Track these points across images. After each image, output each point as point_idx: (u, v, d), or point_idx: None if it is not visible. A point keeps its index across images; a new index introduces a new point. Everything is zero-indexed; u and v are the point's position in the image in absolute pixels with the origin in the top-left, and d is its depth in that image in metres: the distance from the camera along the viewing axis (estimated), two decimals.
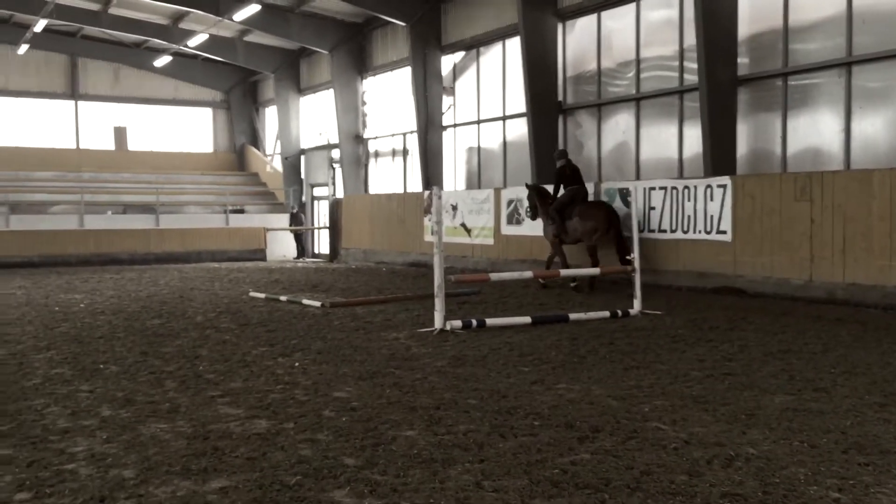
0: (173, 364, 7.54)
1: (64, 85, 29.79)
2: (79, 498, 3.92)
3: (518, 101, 19.26)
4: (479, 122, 21.12)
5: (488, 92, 20.83)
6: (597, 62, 17.77)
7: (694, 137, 15.40)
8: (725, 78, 14.33)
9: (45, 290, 15.32)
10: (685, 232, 13.82)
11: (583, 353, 7.89)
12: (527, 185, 15.71)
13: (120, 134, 30.65)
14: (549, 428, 5.14)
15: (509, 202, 17.61)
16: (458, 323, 9.59)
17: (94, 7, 25.55)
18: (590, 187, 15.17)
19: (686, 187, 13.82)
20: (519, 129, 19.57)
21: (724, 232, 13.15)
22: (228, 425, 5.29)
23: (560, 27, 18.28)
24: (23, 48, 26.96)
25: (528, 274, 12.36)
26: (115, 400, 6.05)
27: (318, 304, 12.30)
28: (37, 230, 23.14)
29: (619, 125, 17.50)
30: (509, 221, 17.62)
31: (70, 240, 23.32)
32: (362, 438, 4.94)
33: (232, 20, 22.52)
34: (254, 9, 20.90)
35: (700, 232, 13.57)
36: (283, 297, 13.28)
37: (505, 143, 20.34)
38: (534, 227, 16.88)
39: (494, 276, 11.27)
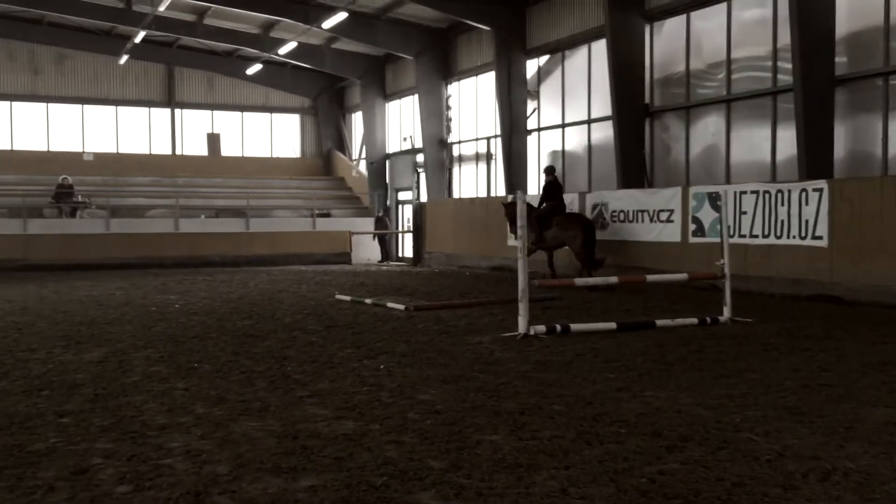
0: (263, 364, 7.73)
1: (161, 93, 30.98)
2: (176, 492, 4.07)
3: (604, 104, 19.04)
4: (563, 125, 20.97)
5: (573, 95, 20.66)
6: (685, 63, 17.43)
7: (788, 140, 14.93)
8: (822, 78, 13.84)
9: (143, 291, 15.94)
10: (778, 237, 13.40)
11: (670, 361, 7.73)
12: (503, 204, 17.60)
13: (213, 140, 31.66)
14: (635, 436, 5.05)
15: (594, 206, 17.41)
16: (542, 328, 9.54)
17: (190, 18, 26.50)
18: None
19: (780, 191, 13.39)
20: (604, 133, 19.35)
21: (820, 237, 12.69)
22: (316, 425, 5.39)
23: (647, 29, 18.00)
24: (123, 59, 28.16)
25: (614, 279, 12.19)
26: (208, 398, 6.25)
27: (402, 307, 12.42)
28: (135, 233, 24.10)
29: (708, 128, 17.11)
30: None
31: (166, 243, 24.20)
32: (447, 442, 4.96)
33: (320, 28, 22.99)
34: (341, 16, 21.30)
35: (794, 237, 13.13)
36: (367, 300, 13.45)
37: (590, 146, 20.13)
38: (617, 232, 16.65)
39: (579, 281, 11.17)
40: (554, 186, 16.23)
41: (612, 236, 16.62)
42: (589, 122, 20.02)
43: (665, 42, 17.96)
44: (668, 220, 15.62)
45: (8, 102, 28.81)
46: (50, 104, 29.36)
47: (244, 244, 24.95)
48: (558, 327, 9.67)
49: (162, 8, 21.56)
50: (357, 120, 31.68)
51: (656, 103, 18.13)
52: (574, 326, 9.75)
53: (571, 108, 20.71)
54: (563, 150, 21.08)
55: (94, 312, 12.19)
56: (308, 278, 19.40)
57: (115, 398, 6.24)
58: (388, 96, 28.90)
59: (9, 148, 28.54)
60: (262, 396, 6.30)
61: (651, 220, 16.04)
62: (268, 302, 13.87)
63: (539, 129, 21.87)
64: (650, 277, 12.40)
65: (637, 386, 6.60)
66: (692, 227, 15.11)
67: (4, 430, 5.30)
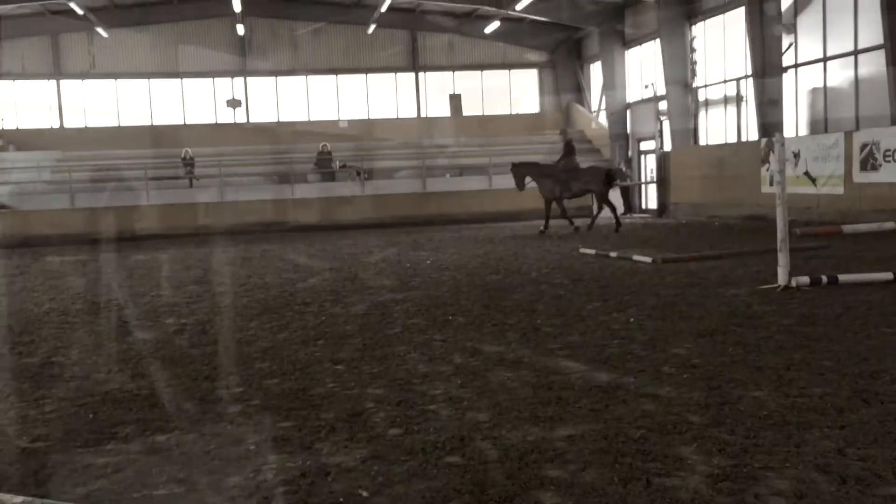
0: (513, 317, 7.92)
1: (406, 59, 32.30)
2: (442, 436, 4.30)
3: (874, 31, 17.14)
4: (825, 59, 19.18)
5: (836, 25, 18.79)
6: None
7: None
8: None
9: (397, 249, 16.87)
10: None
11: None
12: (513, 165, 20.44)
13: (455, 101, 32.57)
14: None
15: (863, 146, 15.85)
16: (805, 279, 8.91)
17: None
18: None
19: None
20: (874, 64, 17.45)
21: None
22: (569, 377, 5.44)
23: None
24: (371, 28, 29.64)
25: (890, 225, 11.04)
26: (464, 349, 6.52)
27: (648, 259, 12.14)
28: (386, 194, 25.50)
29: None
30: (863, 167, 15.90)
31: (414, 202, 25.40)
32: (706, 396, 4.81)
33: None
34: None
35: None
36: (612, 254, 13.28)
37: (857, 80, 18.27)
38: (893, 173, 15.08)
39: (848, 227, 10.26)
40: (572, 143, 20.58)
41: (888, 178, 15.06)
42: (856, 52, 18.14)
43: None
44: None
45: (273, 78, 31.46)
46: (308, 76, 31.67)
47: (488, 201, 25.55)
48: (824, 278, 8.98)
49: None
50: (596, 70, 31.06)
51: None
52: (843, 277, 9.00)
53: (834, 40, 18.86)
54: (825, 87, 19.30)
55: (356, 269, 13.12)
56: (550, 232, 19.49)
57: (380, 348, 6.70)
58: (628, 43, 28.01)
59: (275, 120, 31.23)
60: (514, 348, 6.46)
61: None
62: (513, 257, 14.13)
63: (796, 66, 20.17)
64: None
65: None
66: None
67: (289, 375, 5.89)
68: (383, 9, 26.61)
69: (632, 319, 7.52)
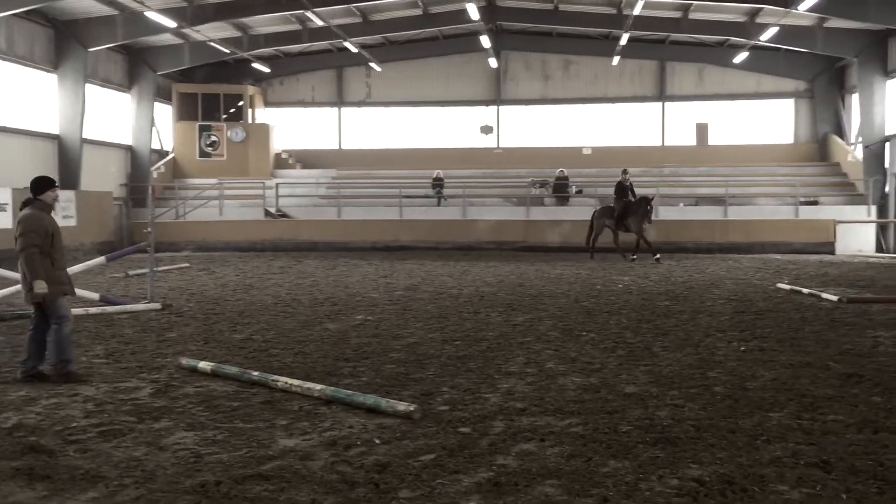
0: (638, 337, 8.87)
1: (653, 88, 32.83)
2: None
3: None
4: None
5: None
6: None
7: None
8: None
9: (601, 272, 17.83)
10: None
11: None
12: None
13: (701, 130, 32.48)
14: None
15: None
16: None
17: (676, 15, 27.76)
18: None
19: None
20: None
21: None
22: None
23: None
24: (615, 60, 30.65)
25: None
26: (578, 357, 7.69)
27: (835, 298, 12.17)
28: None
29: None
30: None
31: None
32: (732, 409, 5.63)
33: (796, 10, 22.33)
34: None
35: None
36: (804, 290, 13.35)
37: None
38: None
39: None
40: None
41: None
42: None
43: None
44: None
45: (524, 107, 33.53)
46: (557, 105, 33.35)
47: (718, 231, 25.42)
48: None
49: (636, 11, 23.17)
50: (856, 101, 29.48)
51: None
52: None
53: None
54: None
55: (545, 286, 14.42)
56: (771, 266, 19.33)
57: (501, 350, 8.06)
58: (890, 73, 26.43)
59: (523, 146, 33.24)
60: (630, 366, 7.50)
61: None
62: (707, 286, 14.60)
63: None
64: None
65: None
66: None
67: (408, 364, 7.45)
68: (623, 42, 27.52)
69: (743, 348, 8.18)
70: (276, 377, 6.54)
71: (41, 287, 6.69)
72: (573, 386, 6.51)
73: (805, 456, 4.68)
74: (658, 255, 20.61)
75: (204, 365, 7.13)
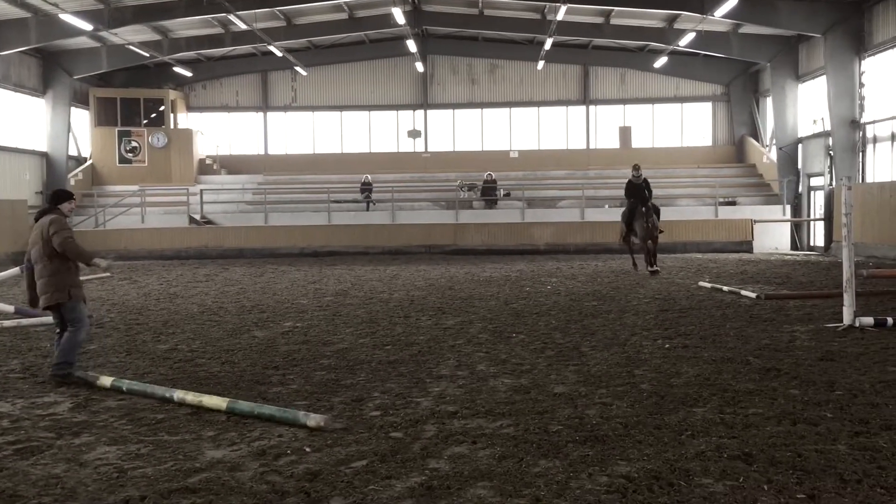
0: (564, 336, 8.99)
1: (577, 92, 33.39)
2: None
3: None
4: None
5: None
6: None
7: None
8: None
9: (532, 273, 18.02)
10: None
11: None
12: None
13: (624, 133, 33.19)
14: None
15: None
16: (869, 320, 9.34)
17: (598, 20, 28.33)
18: None
19: None
20: None
21: None
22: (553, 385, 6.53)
23: None
24: (540, 64, 31.08)
25: None
26: (489, 358, 7.75)
27: (754, 295, 12.56)
28: (545, 222, 26.58)
29: None
30: None
31: (571, 231, 26.28)
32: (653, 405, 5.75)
33: (713, 16, 23.02)
34: (732, 3, 21.12)
35: None
36: (725, 288, 13.74)
37: None
38: None
39: None
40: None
41: None
42: None
43: None
44: None
45: (451, 111, 33.69)
46: (484, 109, 33.61)
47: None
48: (890, 320, 9.28)
49: (559, 16, 23.51)
50: (770, 104, 30.55)
51: None
52: None
53: None
54: None
55: (475, 289, 14.49)
56: (692, 265, 19.84)
57: (432, 354, 8.07)
58: (801, 77, 27.48)
59: (451, 149, 33.39)
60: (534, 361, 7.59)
61: None
62: (632, 286, 14.90)
63: None
64: None
65: None
66: None
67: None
68: (547, 46, 27.91)
69: (667, 346, 8.37)
70: (172, 391, 6.38)
71: (105, 263, 7.26)
72: (504, 387, 6.57)
73: (728, 449, 4.81)
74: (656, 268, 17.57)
75: (104, 380, 6.89)
